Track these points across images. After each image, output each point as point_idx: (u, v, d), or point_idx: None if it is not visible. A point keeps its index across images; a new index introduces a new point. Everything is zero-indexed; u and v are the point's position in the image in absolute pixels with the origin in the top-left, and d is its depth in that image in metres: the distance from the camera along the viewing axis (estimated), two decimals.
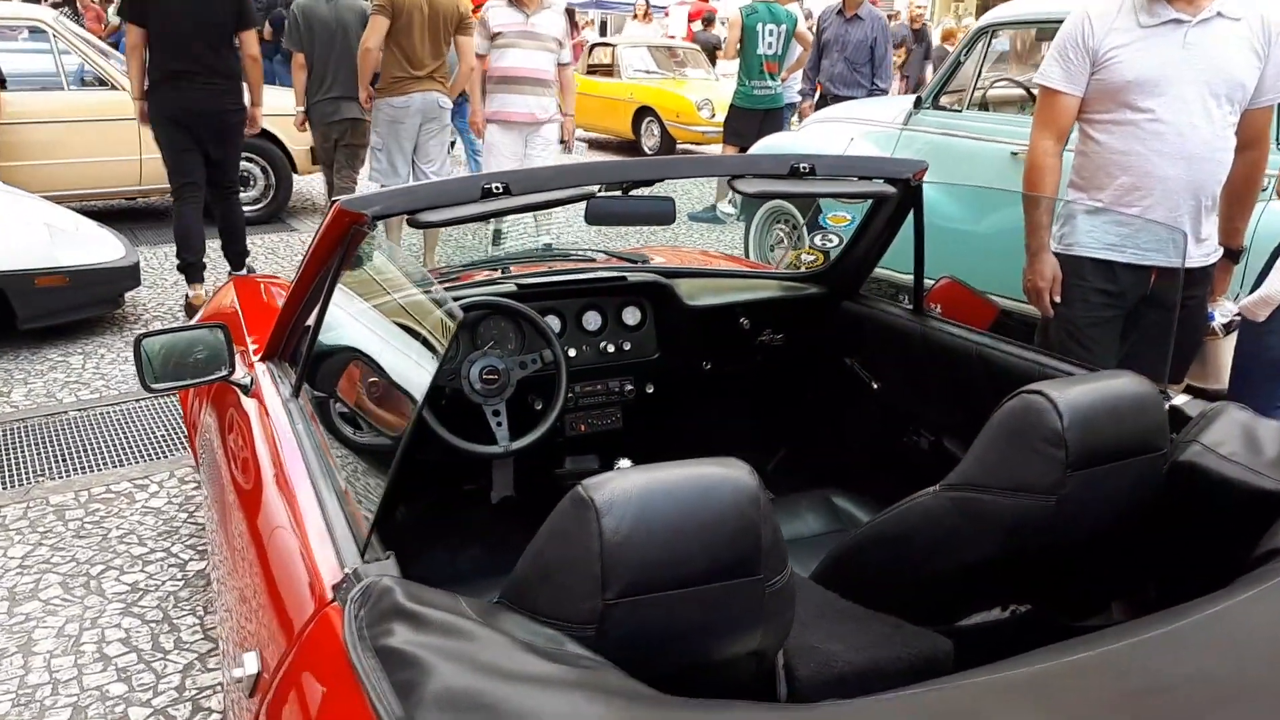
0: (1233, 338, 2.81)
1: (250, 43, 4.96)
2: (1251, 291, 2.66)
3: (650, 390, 2.52)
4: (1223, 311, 2.83)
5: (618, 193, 1.97)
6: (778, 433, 2.83)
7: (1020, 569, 1.61)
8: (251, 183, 7.21)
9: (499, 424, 2.12)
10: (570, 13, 7.21)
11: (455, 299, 2.14)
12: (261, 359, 2.10)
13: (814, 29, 6.73)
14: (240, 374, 2.06)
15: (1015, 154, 4.18)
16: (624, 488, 1.13)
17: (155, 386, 1.95)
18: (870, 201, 2.34)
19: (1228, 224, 2.67)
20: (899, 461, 2.46)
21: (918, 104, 4.77)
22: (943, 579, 1.65)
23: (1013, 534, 1.52)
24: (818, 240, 2.54)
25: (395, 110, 5.20)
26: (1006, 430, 1.51)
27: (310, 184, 8.23)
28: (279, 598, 1.40)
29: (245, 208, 6.34)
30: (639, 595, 1.09)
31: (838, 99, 6.30)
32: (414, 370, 1.52)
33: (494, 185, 1.75)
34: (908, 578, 1.69)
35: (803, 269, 2.63)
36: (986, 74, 4.64)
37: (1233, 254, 2.71)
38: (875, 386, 2.49)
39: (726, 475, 1.19)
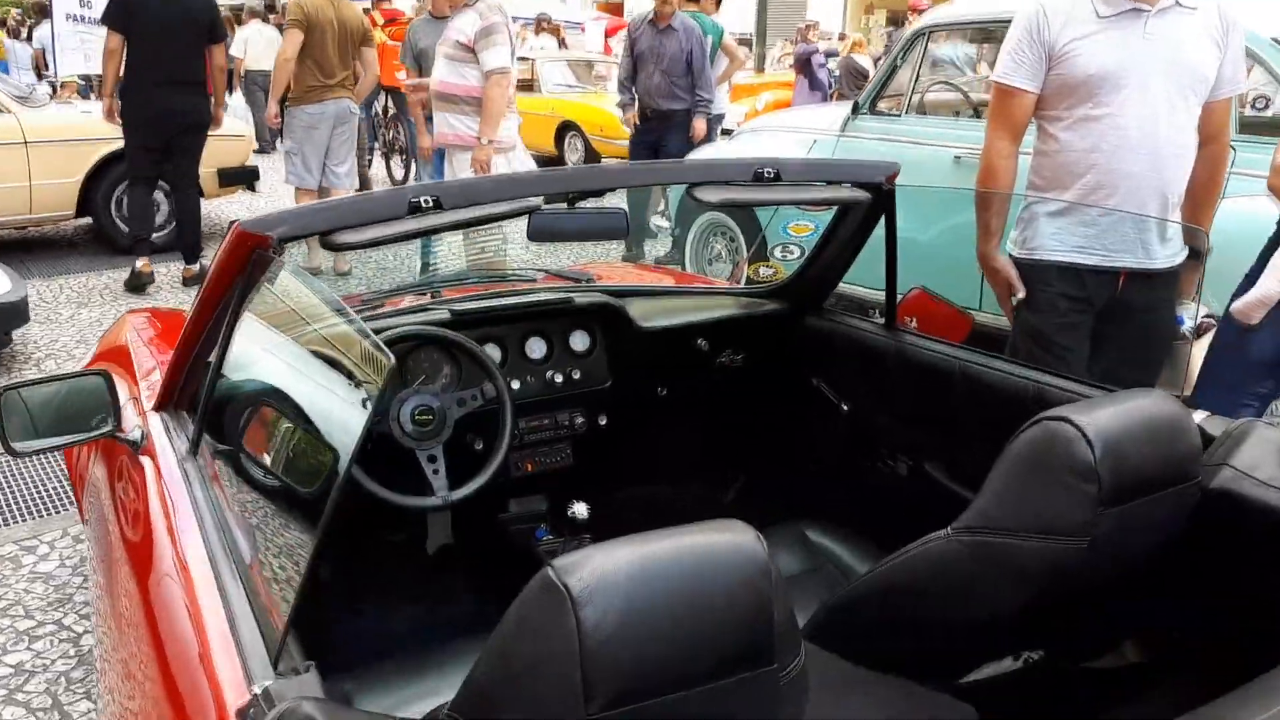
0: (1203, 341, 2.70)
1: (218, 54, 5.70)
2: (1234, 296, 2.54)
3: (603, 422, 2.29)
4: (1190, 314, 2.72)
5: (563, 206, 1.74)
6: (739, 460, 2.62)
7: (1041, 616, 1.42)
8: (156, 208, 6.78)
9: (435, 471, 1.87)
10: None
11: (380, 330, 1.89)
12: (156, 408, 1.81)
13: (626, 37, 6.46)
14: (130, 427, 1.77)
15: (959, 158, 4.07)
16: (606, 569, 0.90)
17: (17, 447, 1.65)
18: (836, 208, 2.15)
19: (1192, 223, 2.56)
20: (876, 489, 2.27)
21: (855, 109, 4.65)
22: (955, 632, 1.46)
23: (1038, 582, 1.33)
24: (777, 252, 2.35)
25: (310, 117, 5.62)
26: (1028, 463, 1.32)
27: (214, 207, 7.80)
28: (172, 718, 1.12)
29: (159, 234, 6.51)
30: (631, 705, 0.87)
31: (659, 113, 6.14)
32: (338, 420, 1.27)
33: (423, 199, 1.52)
34: (915, 632, 1.49)
35: (761, 283, 2.43)
36: (924, 78, 4.54)
37: (1197, 254, 2.60)
38: (845, 408, 2.30)
39: (730, 543, 0.98)
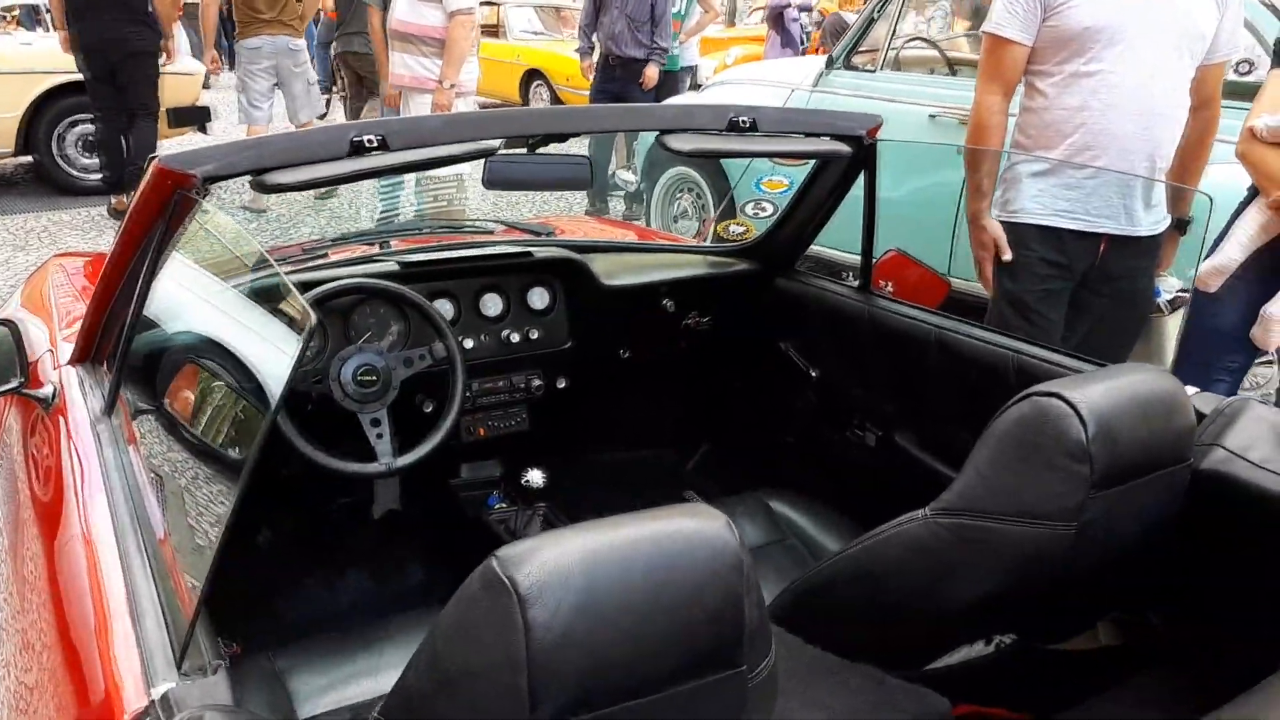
0: (1178, 315, 2.63)
1: None
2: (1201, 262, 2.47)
3: (561, 385, 2.17)
4: (1168, 287, 2.65)
5: (522, 150, 1.61)
6: (703, 426, 2.52)
7: (1018, 601, 1.34)
8: (99, 149, 6.49)
9: (380, 435, 1.74)
10: None
11: (322, 281, 1.75)
12: (73, 361, 1.66)
13: None
14: (45, 383, 1.62)
15: (934, 116, 3.96)
16: (558, 561, 0.79)
17: None
18: (812, 163, 2.03)
19: (1174, 191, 2.47)
20: (842, 459, 2.19)
21: (829, 64, 4.51)
22: (930, 617, 1.37)
23: (1022, 568, 1.24)
24: (749, 209, 2.23)
25: (249, 52, 5.63)
26: (1015, 442, 1.23)
27: (165, 147, 7.49)
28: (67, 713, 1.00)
29: (93, 176, 6.43)
30: (584, 714, 0.76)
31: (621, 60, 5.90)
32: (263, 373, 1.14)
33: (366, 138, 1.37)
34: (887, 617, 1.40)
35: (731, 241, 2.31)
36: (900, 33, 4.41)
37: (1180, 224, 2.52)
38: (813, 374, 2.20)
39: (698, 531, 0.87)
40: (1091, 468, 1.15)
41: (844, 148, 1.81)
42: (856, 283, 2.09)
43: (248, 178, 1.33)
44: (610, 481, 2.47)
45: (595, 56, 6.10)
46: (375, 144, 1.38)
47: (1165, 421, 1.25)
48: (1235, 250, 2.25)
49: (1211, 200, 2.08)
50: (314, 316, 0.90)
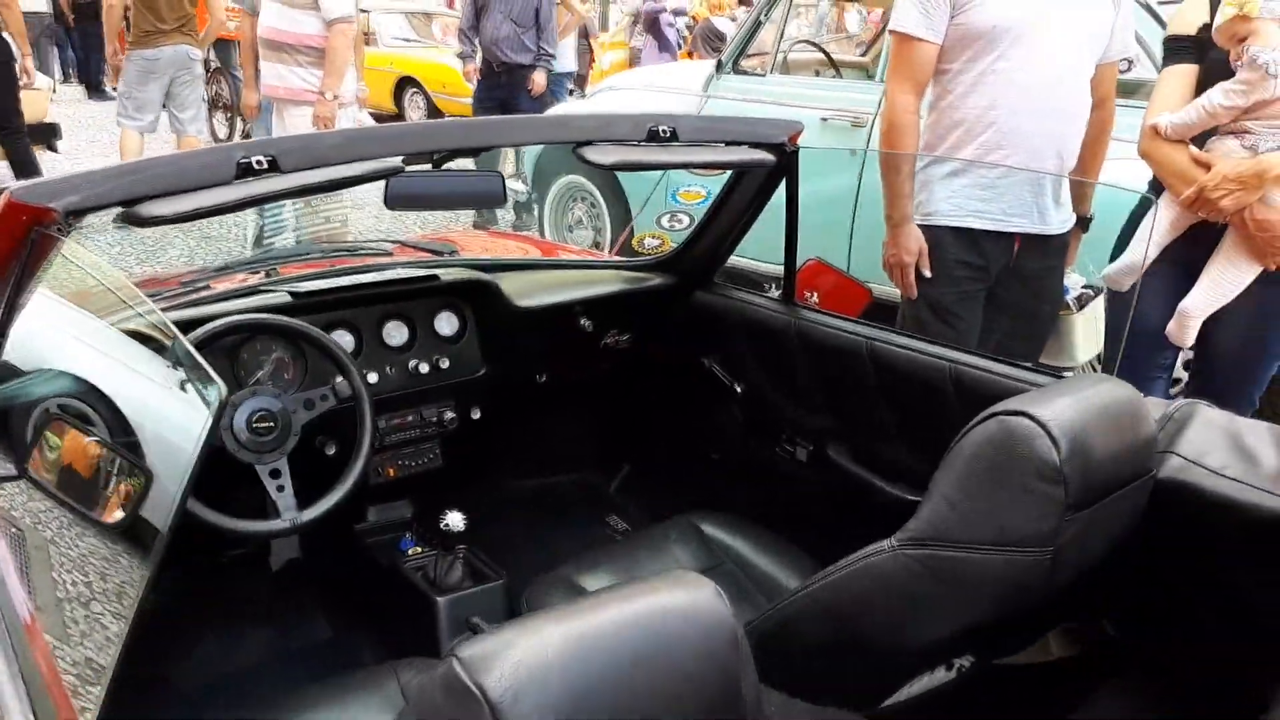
0: (1088, 312, 2.66)
1: None
2: (1111, 260, 2.50)
3: (476, 415, 2.03)
4: (1074, 284, 2.68)
5: (427, 166, 1.47)
6: (627, 448, 2.41)
7: (989, 628, 1.28)
8: None
9: (281, 488, 1.57)
10: None
11: (204, 318, 1.56)
12: None
13: None
14: None
15: (826, 119, 3.96)
16: (533, 660, 0.67)
17: None
18: (729, 172, 1.95)
19: (1077, 189, 2.49)
20: (773, 475, 2.11)
21: (719, 68, 4.46)
22: (897, 652, 1.29)
23: (997, 598, 1.18)
24: (664, 221, 2.13)
25: (146, 62, 5.32)
26: (985, 465, 1.16)
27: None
28: None
29: None
30: None
31: (506, 66, 5.75)
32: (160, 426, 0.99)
33: (254, 159, 1.21)
34: (852, 655, 1.32)
35: (647, 255, 2.21)
36: (788, 36, 4.40)
37: (1083, 222, 2.55)
38: (739, 389, 2.12)
39: (688, 607, 0.77)
40: (1066, 489, 1.09)
41: (767, 156, 1.73)
42: (779, 294, 2.01)
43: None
44: (531, 511, 2.34)
45: (478, 61, 5.91)
46: (265, 165, 1.22)
47: (1131, 434, 1.21)
48: (1144, 248, 2.27)
49: (1155, 200, 2.09)
50: (221, 386, 0.75)
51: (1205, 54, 2.14)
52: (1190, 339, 2.17)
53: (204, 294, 1.78)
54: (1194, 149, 2.12)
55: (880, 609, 1.24)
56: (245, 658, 1.97)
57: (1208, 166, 2.07)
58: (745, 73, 4.43)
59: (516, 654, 0.67)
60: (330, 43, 3.95)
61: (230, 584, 2.11)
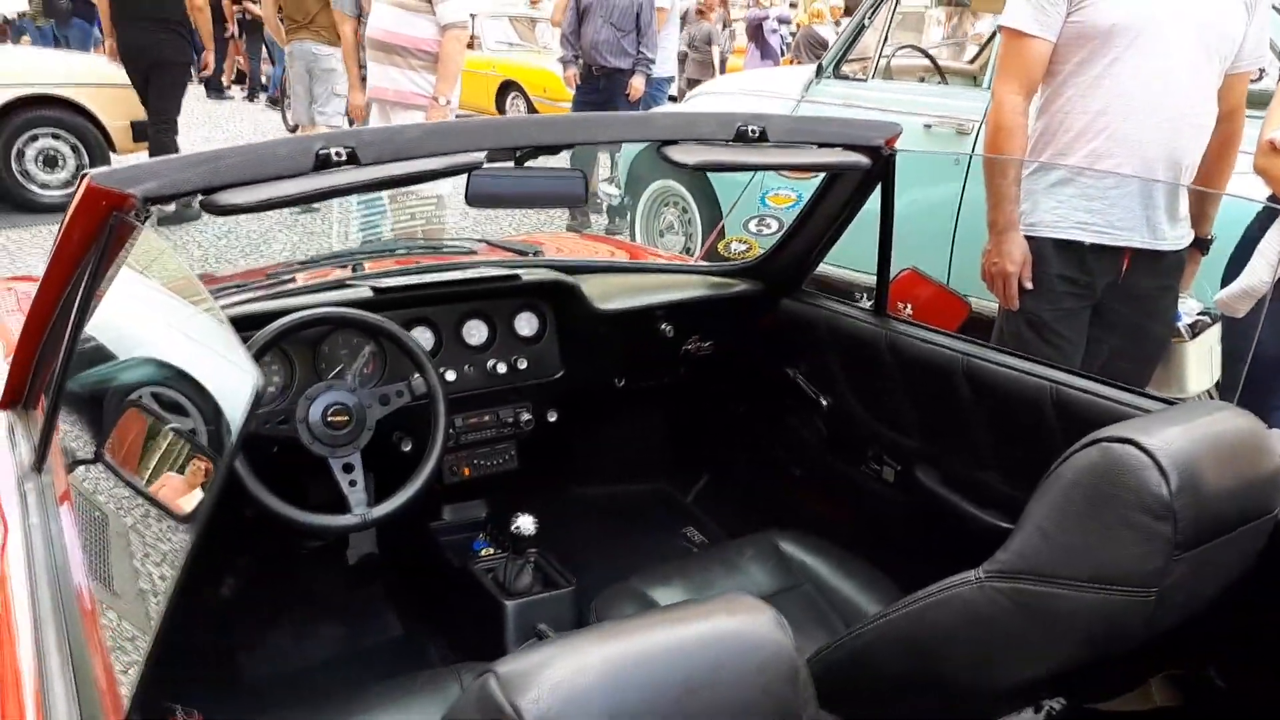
0: (1202, 340, 2.48)
1: None
2: (1223, 285, 2.33)
3: (553, 418, 2.00)
4: (1188, 310, 2.51)
5: (509, 164, 1.44)
6: (704, 458, 2.35)
7: (1082, 670, 1.18)
8: (60, 163, 6.27)
9: (353, 483, 1.56)
10: None
11: (286, 310, 1.57)
12: (3, 405, 1.47)
13: None
14: None
15: (929, 126, 3.83)
16: (574, 682, 0.63)
17: None
18: (822, 176, 1.88)
19: (1197, 208, 2.33)
20: (856, 495, 2.02)
21: (819, 72, 4.37)
22: (982, 690, 1.20)
23: (1091, 639, 1.08)
24: (752, 226, 2.07)
25: (287, 58, 5.85)
26: (1085, 496, 1.07)
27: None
28: None
29: (53, 192, 6.20)
30: None
31: (605, 71, 5.74)
32: (218, 416, 0.97)
33: (333, 150, 1.20)
34: (933, 690, 1.23)
35: (733, 260, 2.15)
36: (891, 40, 4.28)
37: (1202, 244, 2.38)
38: (824, 403, 2.04)
39: (744, 634, 0.71)
40: (1175, 526, 0.99)
41: (861, 159, 1.66)
42: (871, 304, 1.93)
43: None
44: (605, 518, 2.30)
45: (578, 66, 5.93)
46: (344, 157, 1.21)
47: (1251, 468, 1.10)
48: (1265, 271, 2.10)
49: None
50: (256, 374, 0.73)
51: None
52: None
53: (289, 286, 1.80)
54: None
55: (963, 643, 1.15)
56: (315, 651, 1.98)
57: None
58: (846, 77, 4.32)
59: (556, 674, 0.62)
60: (445, 48, 3.94)
61: (305, 576, 2.13)
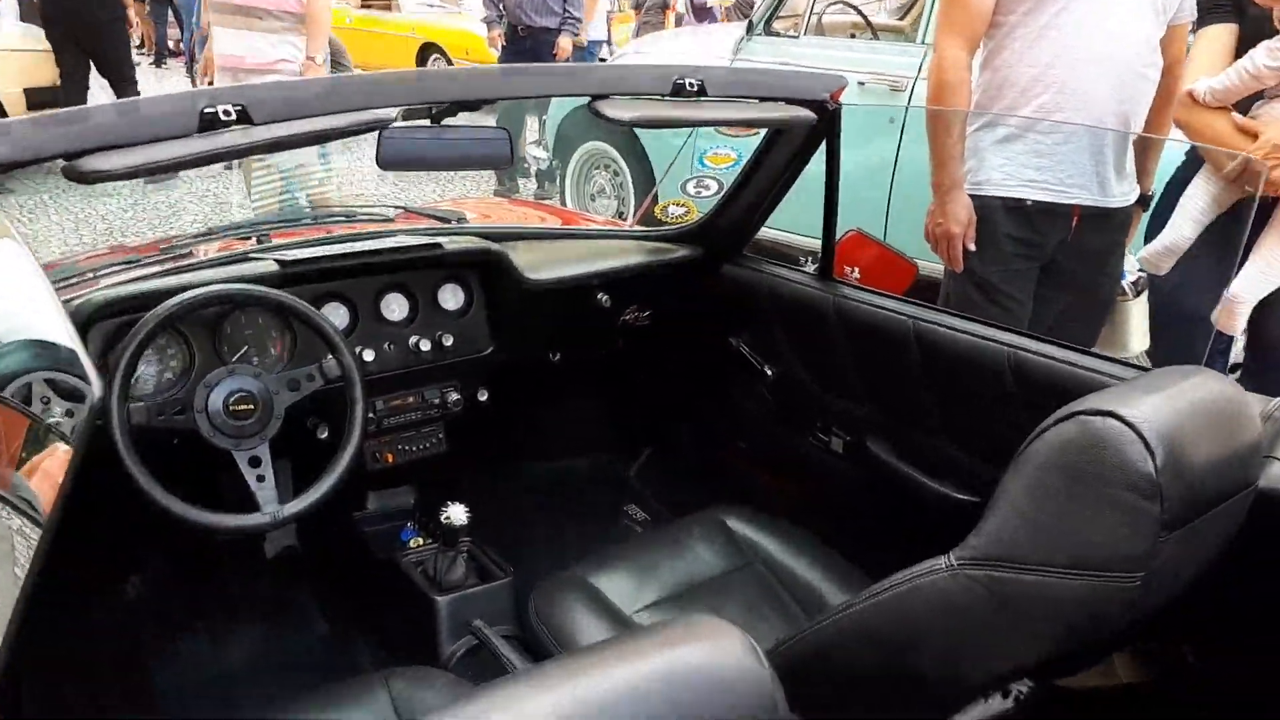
0: (1145, 298, 2.45)
1: None
2: (1145, 241, 2.29)
3: (483, 397, 1.87)
4: (1130, 267, 2.47)
5: (424, 122, 1.30)
6: (646, 432, 2.25)
7: (1058, 659, 1.11)
8: None
9: (261, 478, 1.41)
10: None
11: (180, 289, 1.41)
12: None
13: None
14: None
15: (863, 83, 3.74)
16: None
17: None
18: (764, 133, 1.77)
19: (1139, 163, 2.28)
20: (805, 468, 1.94)
21: (749, 30, 4.25)
22: (952, 682, 1.13)
23: (1070, 628, 1.00)
24: (690, 187, 1.95)
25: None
26: (1063, 473, 0.98)
27: None
28: None
29: None
30: None
31: (530, 30, 5.57)
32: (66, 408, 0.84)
33: (221, 109, 1.05)
34: (901, 684, 1.15)
35: (671, 225, 2.04)
36: None
37: (1144, 200, 2.33)
38: (769, 372, 1.95)
39: (715, 665, 0.61)
40: (1162, 505, 0.91)
41: (806, 113, 1.55)
42: (816, 268, 1.83)
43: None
44: (543, 500, 2.18)
45: (503, 26, 5.72)
46: (233, 116, 1.06)
47: (1233, 438, 1.03)
48: (1187, 227, 2.07)
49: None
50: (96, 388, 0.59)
51: (1245, 12, 1.93)
52: (1240, 327, 1.97)
53: (187, 262, 1.63)
54: (1238, 116, 1.92)
55: (935, 635, 1.07)
56: (233, 656, 1.84)
57: (1254, 135, 1.87)
58: (777, 34, 4.22)
59: None
60: (313, 3, 3.56)
61: (221, 573, 1.98)
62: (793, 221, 2.21)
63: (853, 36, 4.52)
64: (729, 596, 1.62)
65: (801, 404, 1.91)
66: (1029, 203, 2.13)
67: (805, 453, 1.92)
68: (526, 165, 5.61)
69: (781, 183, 1.81)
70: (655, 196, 2.74)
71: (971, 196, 2.16)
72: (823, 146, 1.71)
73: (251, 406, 1.42)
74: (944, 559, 1.05)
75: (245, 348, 1.57)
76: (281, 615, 1.93)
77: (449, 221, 1.98)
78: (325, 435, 1.68)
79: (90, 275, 1.54)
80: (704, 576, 1.66)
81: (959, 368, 1.59)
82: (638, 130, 4.41)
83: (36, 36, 5.99)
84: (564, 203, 5.00)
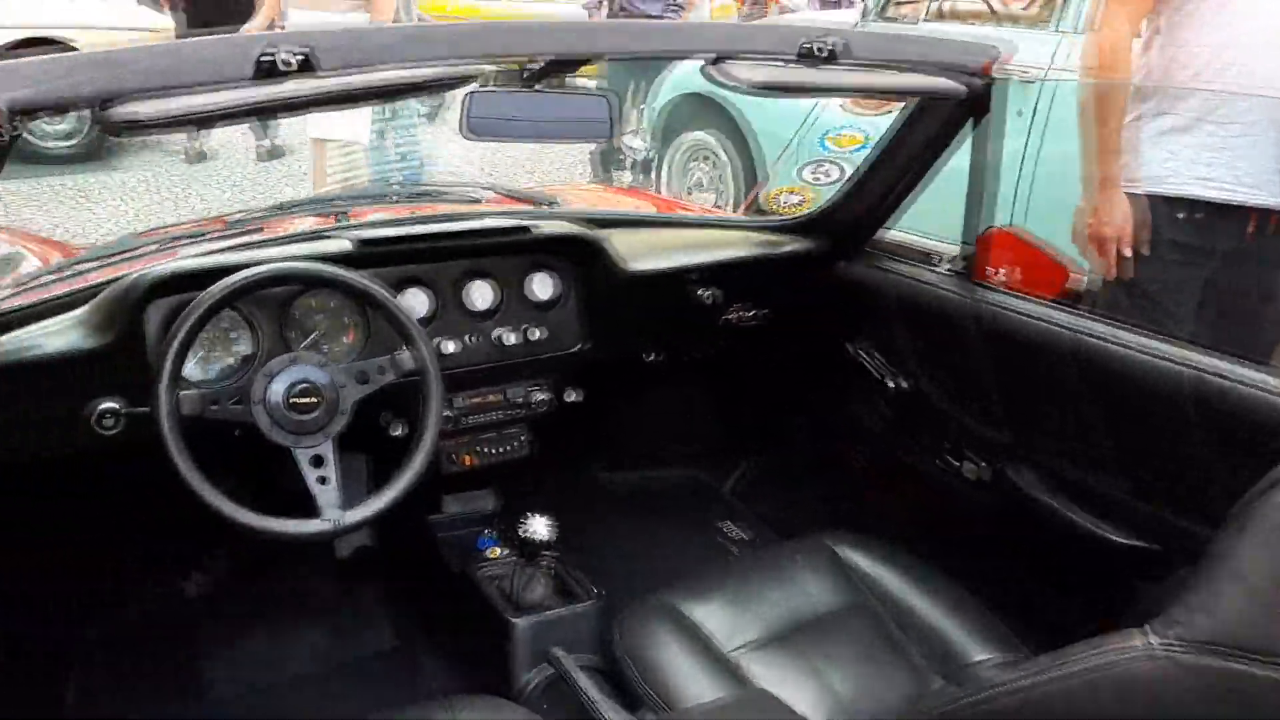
0: None
1: None
2: None
3: (572, 398, 1.70)
4: None
5: (515, 85, 1.13)
6: (748, 443, 2.05)
7: None
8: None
9: (323, 480, 1.26)
10: None
11: (244, 265, 1.27)
12: None
13: None
14: None
15: None
16: None
17: None
18: (899, 110, 1.55)
19: None
20: (929, 494, 1.71)
21: (864, 15, 4.00)
22: None
23: None
24: (807, 173, 1.74)
25: None
26: None
27: None
28: None
29: (55, 143, 5.86)
30: None
31: (630, 16, 5.33)
32: None
33: (281, 55, 0.89)
34: None
35: (785, 214, 1.83)
36: None
37: None
38: (892, 385, 1.73)
39: None
40: None
41: (954, 84, 1.33)
42: (956, 268, 1.60)
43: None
44: (632, 512, 2.00)
45: (603, 12, 5.59)
46: (294, 65, 0.90)
47: None
48: None
49: None
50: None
51: None
52: None
53: (255, 237, 1.49)
54: None
55: None
56: (293, 663, 1.71)
57: None
58: (893, 20, 3.95)
59: None
60: None
61: (289, 572, 1.86)
62: (912, 221, 1.99)
63: (979, 23, 4.22)
64: (841, 639, 1.41)
65: (929, 422, 1.68)
66: (1198, 203, 1.86)
67: (931, 478, 1.69)
68: (623, 157, 5.45)
69: (918, 168, 1.59)
70: (763, 184, 2.52)
71: (1130, 195, 1.91)
72: (969, 128, 1.49)
73: (316, 400, 1.27)
74: (1142, 639, 0.82)
75: (315, 335, 1.43)
76: (348, 622, 1.80)
77: (540, 205, 1.81)
78: (400, 433, 1.53)
79: (152, 249, 1.42)
80: (811, 613, 1.45)
81: (1127, 389, 1.35)
82: (745, 112, 4.20)
83: (151, 18, 6.07)
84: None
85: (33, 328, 1.26)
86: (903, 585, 1.49)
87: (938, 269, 1.64)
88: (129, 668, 1.62)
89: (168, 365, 1.17)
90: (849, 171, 1.73)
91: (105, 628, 1.70)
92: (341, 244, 1.44)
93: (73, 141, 6.09)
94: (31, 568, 1.57)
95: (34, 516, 1.56)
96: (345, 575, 1.92)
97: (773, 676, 1.32)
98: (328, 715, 1.55)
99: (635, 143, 5.02)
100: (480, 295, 1.59)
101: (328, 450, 1.28)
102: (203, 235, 1.47)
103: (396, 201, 1.75)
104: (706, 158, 4.68)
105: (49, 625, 1.64)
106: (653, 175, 5.02)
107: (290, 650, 1.75)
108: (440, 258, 1.54)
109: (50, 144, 5.96)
